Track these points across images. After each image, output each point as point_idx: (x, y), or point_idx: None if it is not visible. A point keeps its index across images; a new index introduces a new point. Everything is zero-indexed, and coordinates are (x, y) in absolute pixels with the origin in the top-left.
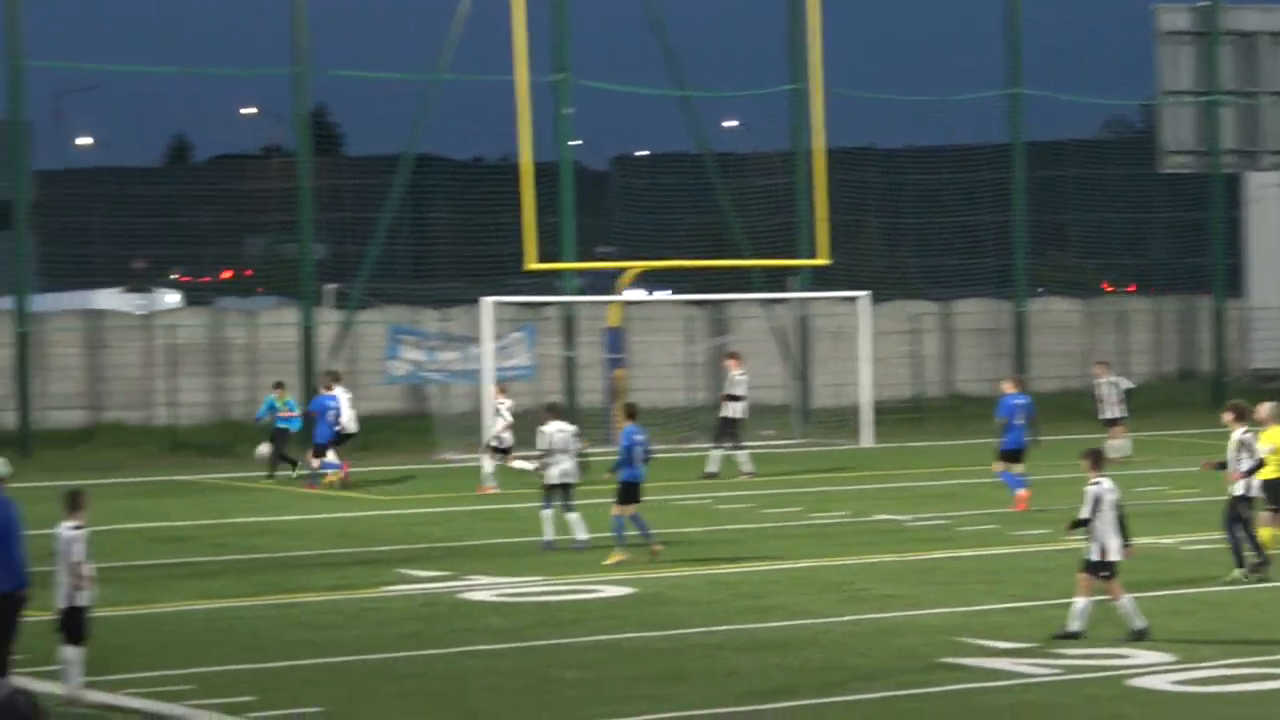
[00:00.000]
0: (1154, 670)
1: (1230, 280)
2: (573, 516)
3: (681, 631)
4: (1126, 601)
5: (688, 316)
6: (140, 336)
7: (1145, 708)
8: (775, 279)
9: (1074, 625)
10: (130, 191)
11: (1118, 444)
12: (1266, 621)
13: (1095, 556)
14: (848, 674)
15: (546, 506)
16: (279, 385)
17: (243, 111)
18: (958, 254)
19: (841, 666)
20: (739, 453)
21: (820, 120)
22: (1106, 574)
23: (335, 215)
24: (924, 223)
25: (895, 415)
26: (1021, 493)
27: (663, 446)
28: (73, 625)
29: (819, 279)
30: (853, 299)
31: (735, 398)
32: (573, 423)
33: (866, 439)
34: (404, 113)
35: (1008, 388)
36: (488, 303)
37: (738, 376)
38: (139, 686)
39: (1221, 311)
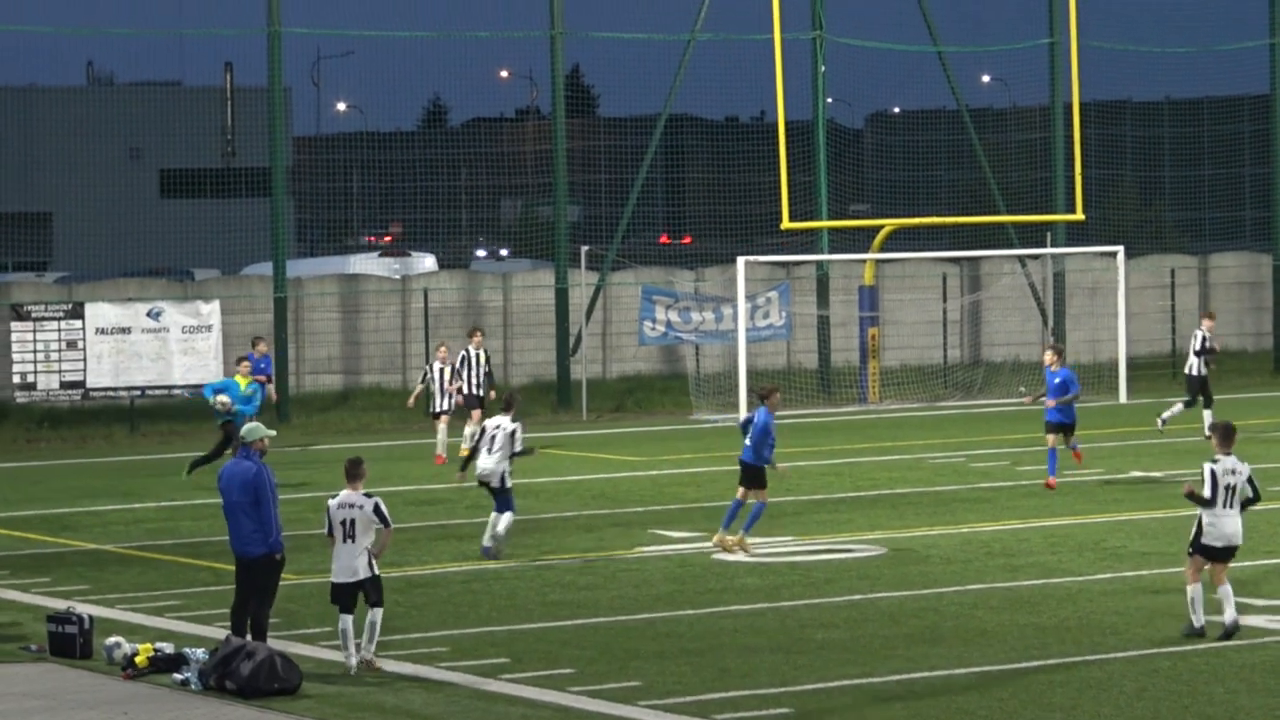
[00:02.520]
0: None
1: None
2: (502, 518)
3: (935, 591)
4: (1226, 590)
5: (942, 273)
6: (395, 300)
7: None
8: (1031, 235)
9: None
10: (386, 156)
11: None
12: None
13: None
14: (1103, 633)
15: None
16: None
17: (498, 74)
18: (1215, 207)
19: (1096, 626)
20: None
21: (1076, 74)
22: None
23: (590, 177)
24: (1181, 175)
25: (1152, 370)
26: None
27: (914, 405)
28: (374, 590)
29: (1074, 234)
30: (1109, 254)
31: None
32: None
33: (1123, 395)
34: (659, 73)
35: (1048, 360)
36: (742, 262)
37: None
38: (394, 649)
39: None
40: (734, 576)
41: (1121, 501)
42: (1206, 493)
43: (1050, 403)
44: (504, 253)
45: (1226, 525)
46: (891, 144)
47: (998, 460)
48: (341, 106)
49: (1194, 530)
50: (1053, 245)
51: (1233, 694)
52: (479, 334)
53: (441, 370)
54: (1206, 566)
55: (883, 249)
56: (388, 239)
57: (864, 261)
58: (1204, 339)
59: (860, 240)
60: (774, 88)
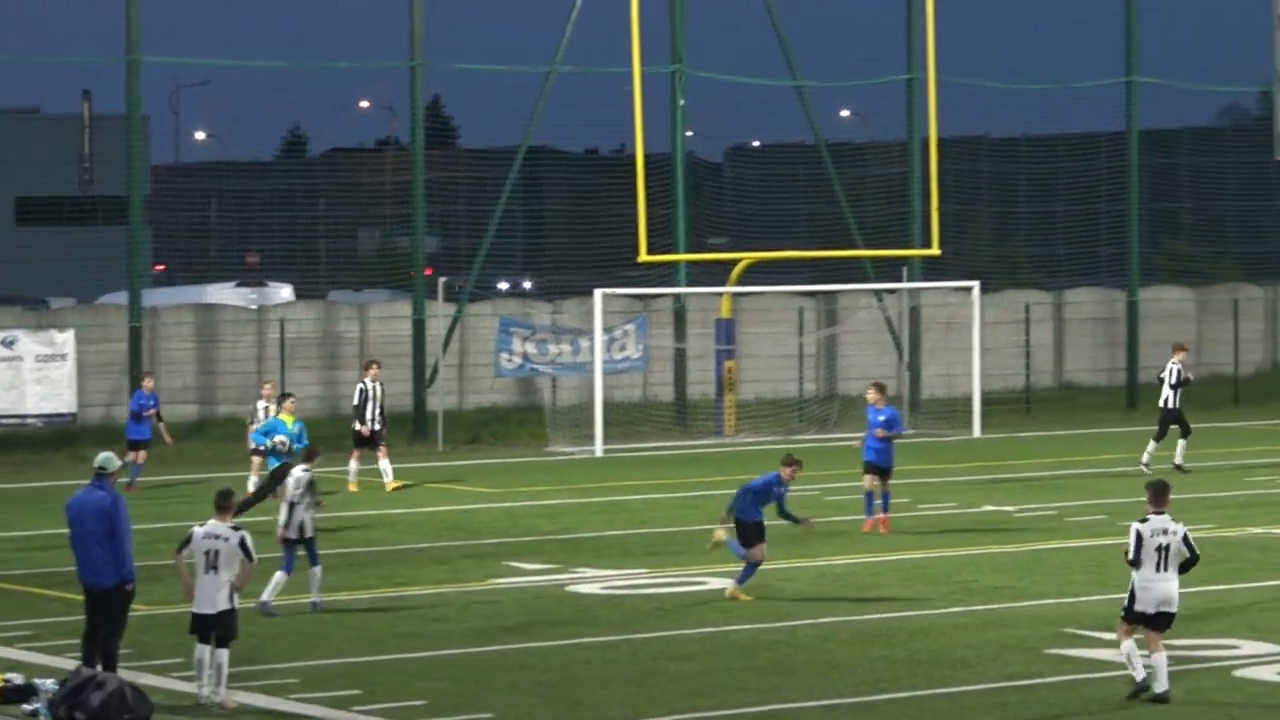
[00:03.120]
0: (1261, 661)
1: None
2: (313, 571)
3: (788, 623)
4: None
5: (799, 307)
6: (252, 330)
7: (1251, 698)
8: (887, 269)
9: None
10: (244, 186)
11: None
12: None
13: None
14: (954, 666)
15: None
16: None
17: (358, 105)
18: (1070, 243)
19: (948, 658)
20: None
21: (934, 110)
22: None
23: (449, 208)
24: (1037, 211)
25: (1005, 406)
26: (881, 516)
27: (769, 438)
28: (228, 628)
29: (930, 269)
30: (965, 289)
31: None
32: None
33: (976, 430)
34: (519, 105)
35: (871, 398)
36: (599, 294)
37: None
38: (245, 681)
39: None
40: (587, 608)
41: (974, 535)
42: (1130, 554)
43: (879, 433)
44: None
45: (1158, 589)
46: (750, 178)
47: (852, 494)
48: (200, 135)
49: (1127, 594)
50: (909, 280)
51: None
52: (375, 366)
53: (266, 408)
54: (1139, 634)
55: (740, 282)
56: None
57: (721, 295)
58: (1177, 371)
59: (718, 273)
60: (633, 121)
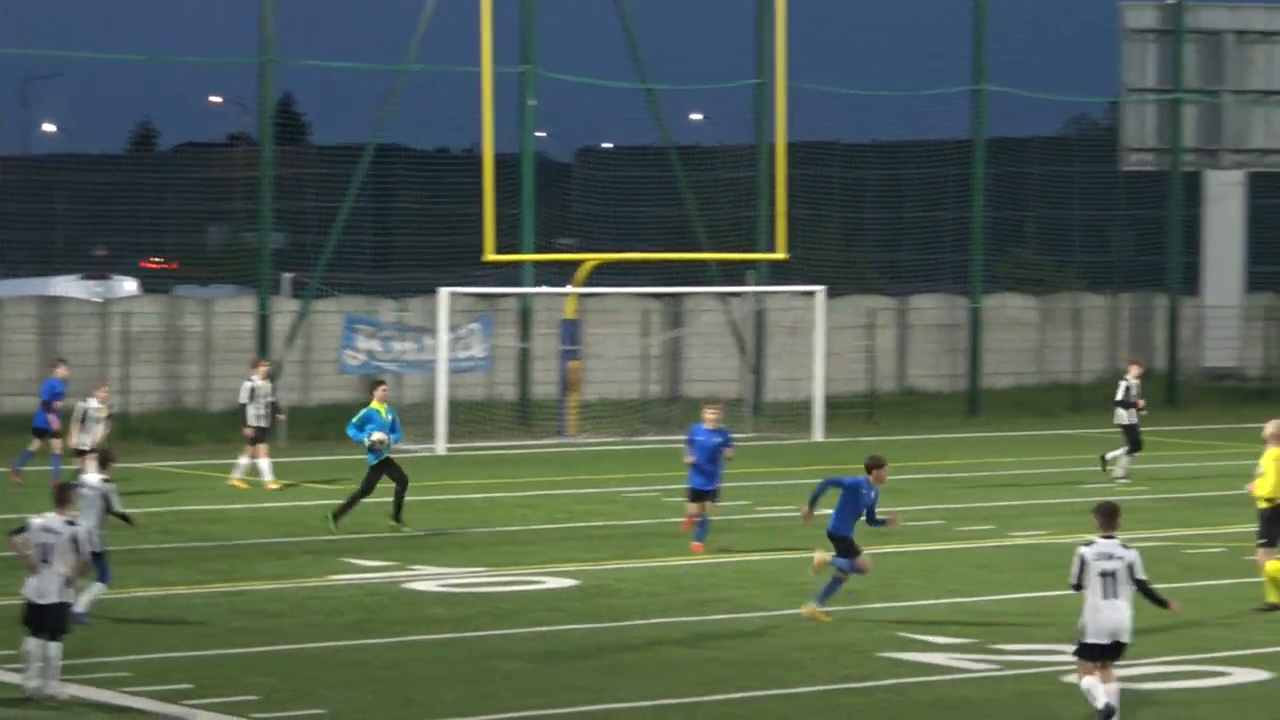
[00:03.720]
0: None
1: (1187, 278)
2: (94, 587)
3: (623, 624)
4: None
5: (644, 309)
6: (95, 324)
7: (1080, 704)
8: (734, 273)
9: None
10: (93, 179)
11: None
12: (1204, 619)
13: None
14: (786, 668)
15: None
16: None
17: (209, 100)
18: (917, 249)
19: (781, 660)
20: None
21: (783, 115)
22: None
23: (298, 204)
24: (884, 217)
25: (848, 410)
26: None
27: (612, 439)
28: (60, 620)
29: (776, 273)
30: (809, 293)
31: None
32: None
33: (818, 433)
34: (369, 103)
35: (710, 417)
36: (444, 293)
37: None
38: (77, 674)
39: (1177, 310)
40: (423, 606)
41: (811, 539)
42: (1072, 579)
43: (729, 453)
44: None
45: (1106, 618)
46: (599, 179)
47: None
48: (49, 128)
49: (1078, 627)
50: (755, 283)
51: None
52: (264, 364)
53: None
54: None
55: (586, 283)
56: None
57: (567, 295)
58: (1128, 388)
59: (564, 274)
60: (483, 120)
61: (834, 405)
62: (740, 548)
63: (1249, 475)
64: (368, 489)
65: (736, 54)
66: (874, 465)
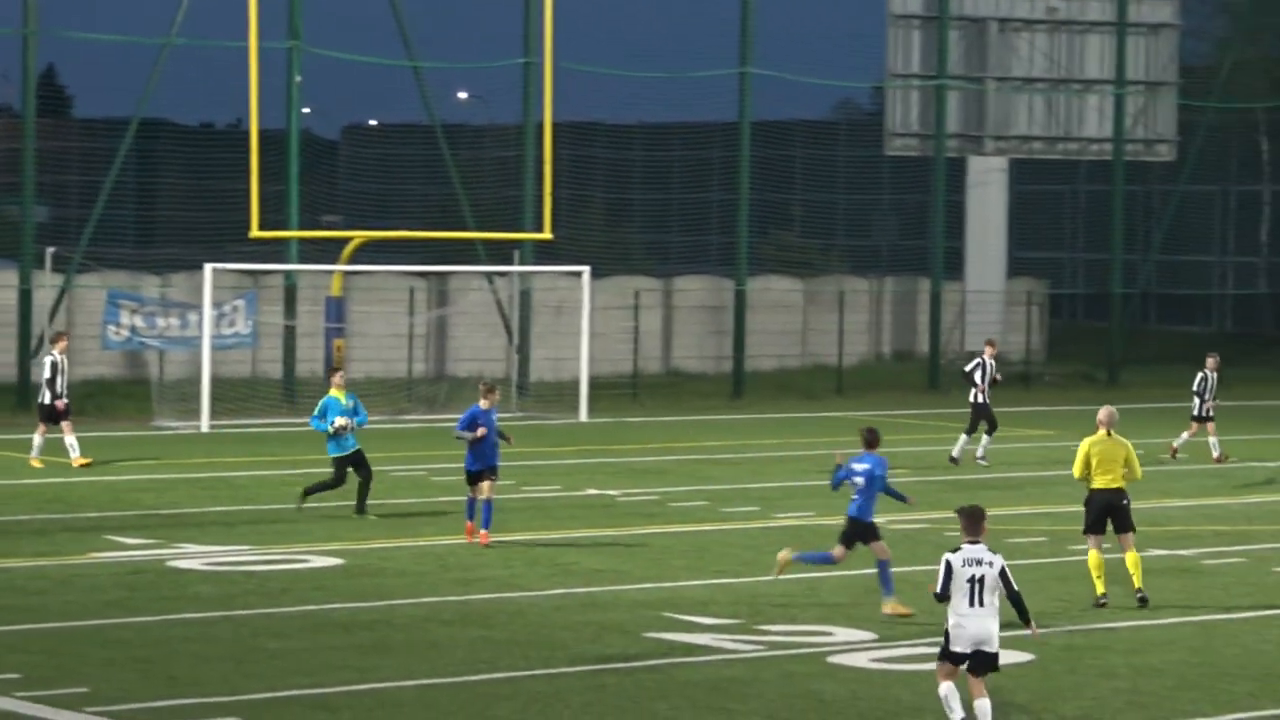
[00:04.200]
0: (854, 648)
1: (950, 263)
2: None
3: (389, 603)
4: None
5: (410, 287)
6: None
7: (843, 685)
8: (500, 252)
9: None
10: None
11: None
12: None
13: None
14: (552, 648)
15: None
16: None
17: None
18: (682, 231)
19: (546, 640)
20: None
21: (550, 95)
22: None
23: (61, 178)
24: (650, 199)
25: (613, 390)
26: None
27: (377, 417)
28: None
29: (542, 253)
30: (575, 274)
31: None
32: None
33: (583, 414)
34: (134, 76)
35: (487, 403)
36: (209, 269)
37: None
38: None
39: (939, 294)
40: (187, 585)
41: (577, 518)
42: (938, 587)
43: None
44: None
45: (972, 626)
46: (365, 156)
47: (457, 475)
48: None
49: (944, 635)
50: (520, 263)
51: (676, 710)
52: (63, 339)
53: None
54: (961, 671)
55: (352, 261)
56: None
57: (332, 272)
58: (988, 366)
59: (330, 251)
60: (249, 96)
61: (599, 386)
62: (506, 528)
63: (1010, 459)
64: (339, 480)
65: (504, 33)
66: (876, 440)
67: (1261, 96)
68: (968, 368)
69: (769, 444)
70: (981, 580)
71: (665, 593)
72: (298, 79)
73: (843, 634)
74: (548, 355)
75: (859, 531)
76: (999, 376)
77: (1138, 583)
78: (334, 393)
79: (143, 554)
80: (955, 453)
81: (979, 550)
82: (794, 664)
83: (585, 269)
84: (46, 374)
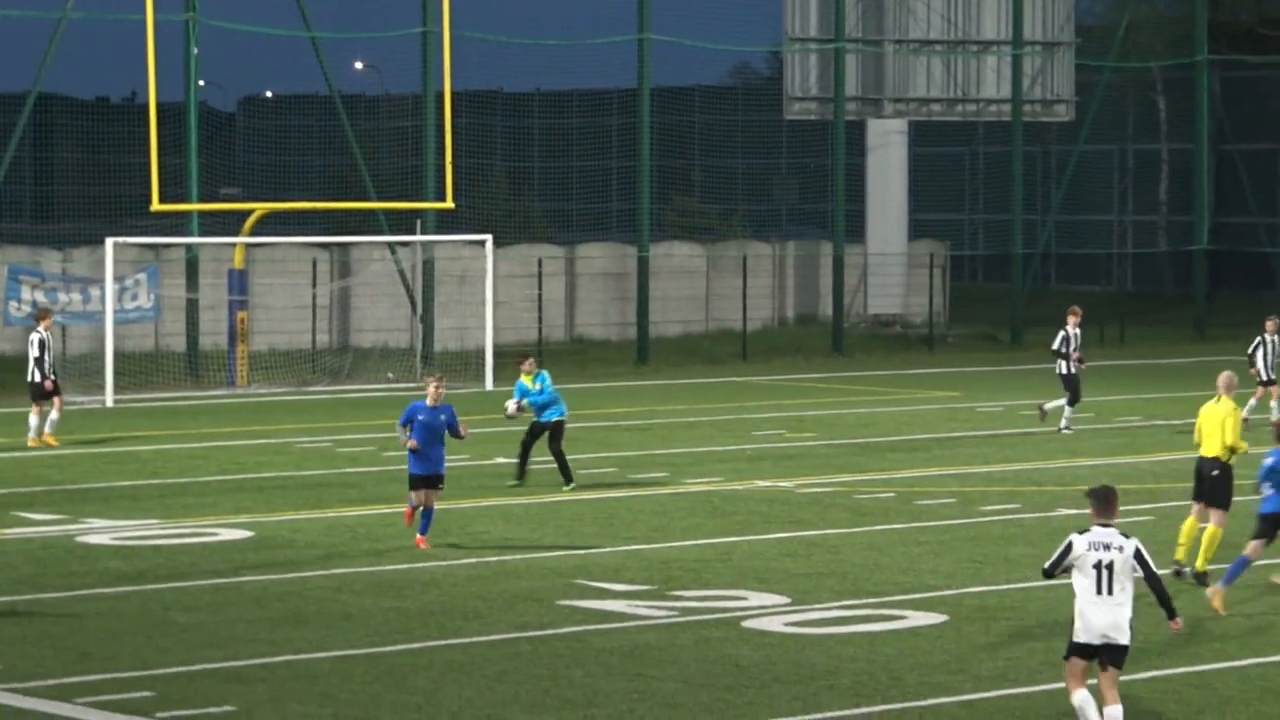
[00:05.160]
0: (769, 612)
1: (851, 226)
2: None
3: (301, 575)
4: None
5: (312, 259)
6: None
7: (758, 649)
8: (401, 222)
9: None
10: None
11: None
12: (879, 564)
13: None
14: (466, 617)
15: None
16: None
17: None
18: (584, 198)
19: (459, 610)
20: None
21: (449, 63)
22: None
23: None
24: (550, 166)
25: (518, 359)
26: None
27: (282, 389)
28: None
29: (444, 222)
30: (478, 242)
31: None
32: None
33: (489, 383)
34: (30, 51)
35: (434, 394)
36: (110, 243)
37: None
38: None
39: (841, 257)
40: (97, 560)
41: (486, 488)
42: (1047, 564)
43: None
44: None
45: (1099, 616)
46: (264, 128)
47: (364, 445)
48: None
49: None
50: (422, 233)
51: (592, 677)
52: (48, 316)
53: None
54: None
55: (253, 233)
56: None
57: (234, 245)
58: (1066, 339)
59: (231, 224)
60: (145, 69)
61: (503, 354)
62: None
63: (915, 420)
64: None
65: (402, 2)
66: None
67: (1158, 55)
68: (1054, 344)
69: (675, 409)
70: (1110, 566)
71: (577, 560)
72: (194, 51)
73: (756, 598)
74: (452, 325)
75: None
76: (1078, 354)
77: (1199, 561)
78: (523, 379)
79: (51, 530)
80: (1064, 425)
81: (1109, 534)
82: (708, 629)
83: (488, 238)
84: (35, 352)
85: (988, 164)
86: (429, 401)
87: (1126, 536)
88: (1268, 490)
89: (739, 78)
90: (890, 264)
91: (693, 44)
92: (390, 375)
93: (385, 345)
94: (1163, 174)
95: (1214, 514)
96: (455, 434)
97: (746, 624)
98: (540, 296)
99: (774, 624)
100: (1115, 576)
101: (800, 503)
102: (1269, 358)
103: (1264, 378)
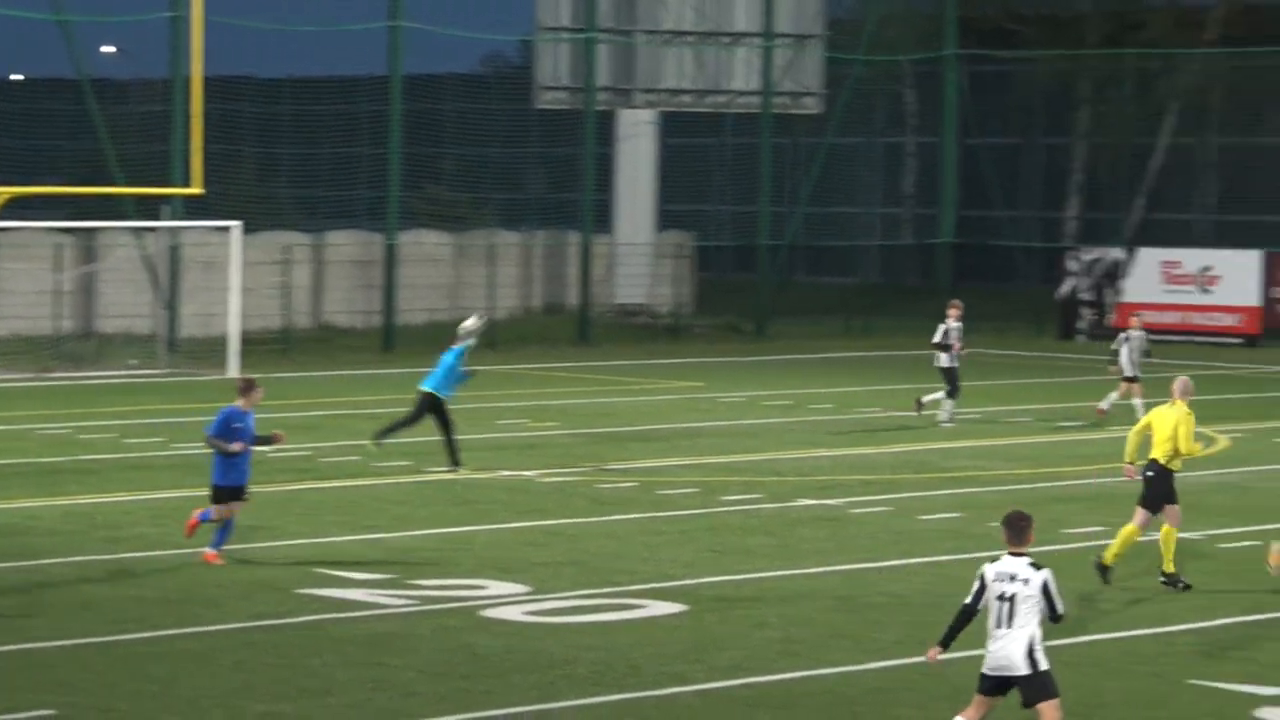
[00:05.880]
0: (508, 601)
1: (600, 216)
2: None
3: (37, 563)
4: None
5: (56, 244)
6: None
7: (497, 638)
8: (148, 207)
9: None
10: None
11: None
12: (620, 553)
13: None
14: (204, 605)
15: None
16: None
17: None
18: (333, 186)
19: (198, 598)
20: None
21: (199, 48)
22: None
23: None
24: (300, 154)
25: (264, 346)
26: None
27: (23, 375)
28: None
29: (192, 208)
30: (225, 229)
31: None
32: None
33: (233, 369)
34: None
35: (246, 401)
36: None
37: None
38: None
39: (589, 247)
40: None
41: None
42: (968, 599)
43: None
44: None
45: (992, 648)
46: (9, 111)
47: (105, 433)
48: None
49: None
50: (170, 218)
51: (329, 666)
52: None
53: None
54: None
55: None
56: None
57: None
58: (947, 331)
59: None
60: None
61: (249, 341)
62: (156, 485)
63: (658, 410)
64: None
65: None
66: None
67: (906, 49)
68: (935, 337)
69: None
70: (1012, 599)
71: (318, 549)
72: None
73: (496, 587)
74: (197, 311)
75: None
76: (958, 345)
77: (1166, 564)
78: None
79: None
80: (946, 418)
81: (1017, 564)
82: (447, 618)
83: (236, 224)
84: None
85: (737, 155)
86: (243, 406)
87: (1038, 568)
88: None
89: (491, 66)
90: (638, 254)
91: (445, 32)
92: (133, 362)
93: (129, 331)
94: (909, 167)
95: (1167, 513)
96: (263, 440)
97: (486, 613)
98: (287, 284)
99: (513, 613)
100: (1016, 610)
101: (542, 492)
102: (1133, 354)
103: (1127, 374)
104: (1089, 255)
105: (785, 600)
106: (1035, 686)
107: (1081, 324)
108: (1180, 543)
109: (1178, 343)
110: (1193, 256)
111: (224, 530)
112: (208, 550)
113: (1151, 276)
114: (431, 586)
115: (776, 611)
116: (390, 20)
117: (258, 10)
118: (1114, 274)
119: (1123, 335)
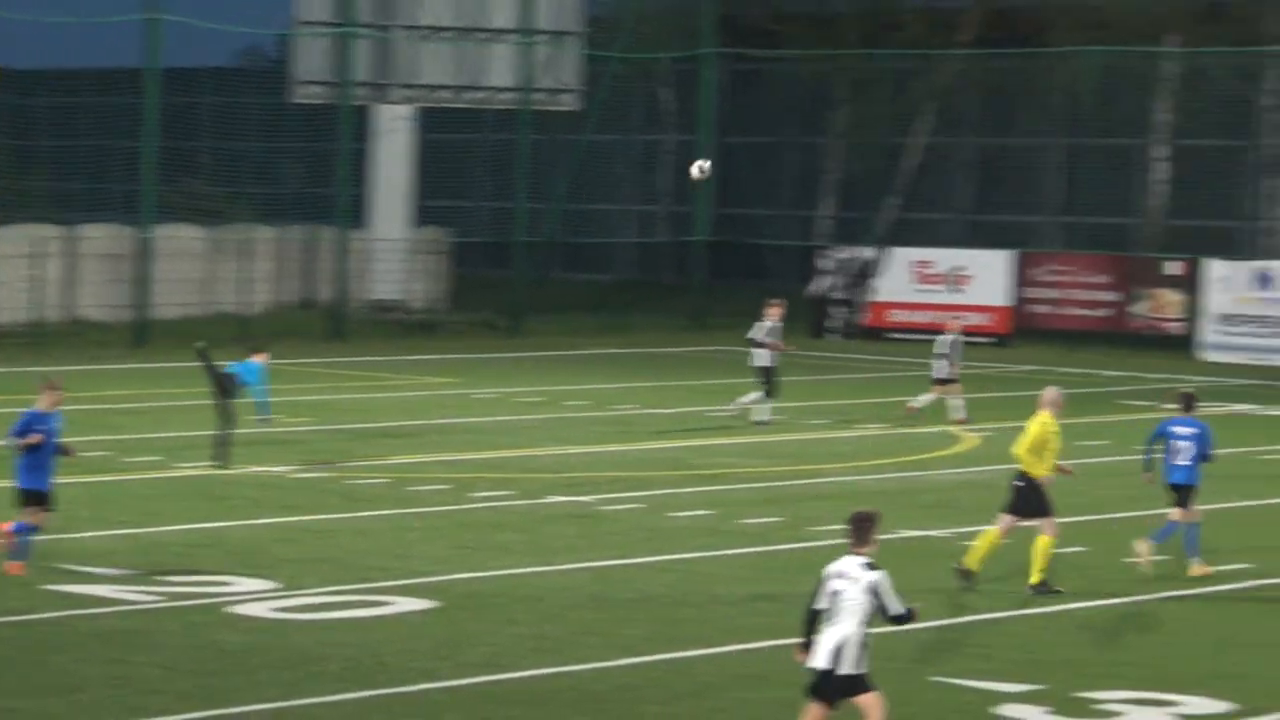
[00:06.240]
0: (255, 598)
1: (355, 212)
2: None
3: None
4: None
5: None
6: None
7: (243, 634)
8: None
9: None
10: None
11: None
12: (370, 550)
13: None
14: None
15: None
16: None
17: None
18: (87, 179)
19: None
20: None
21: None
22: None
23: None
24: (55, 146)
25: (13, 340)
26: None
27: None
28: None
29: None
30: None
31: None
32: None
33: None
34: None
35: (49, 404)
36: None
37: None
38: None
39: (344, 242)
40: None
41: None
42: (813, 599)
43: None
44: None
45: (820, 644)
46: None
47: None
48: None
49: None
50: None
51: (75, 662)
52: None
53: None
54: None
55: None
56: None
57: None
58: (768, 330)
59: None
60: None
61: (0, 335)
62: None
63: (411, 407)
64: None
65: None
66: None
67: (664, 47)
68: (752, 333)
69: (172, 393)
70: (838, 595)
71: (65, 545)
72: None
73: (244, 584)
74: None
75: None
76: (781, 343)
77: (1034, 575)
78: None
79: None
80: (764, 418)
81: (850, 564)
82: (194, 614)
83: None
84: None
85: (496, 152)
86: (46, 407)
87: (872, 569)
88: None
89: (248, 60)
90: (393, 250)
91: (202, 24)
92: None
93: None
94: (665, 165)
95: (1044, 524)
96: (64, 451)
97: (233, 609)
98: (38, 277)
99: (261, 609)
100: (839, 608)
101: (293, 488)
102: (952, 356)
103: (945, 375)
104: (842, 254)
105: (536, 597)
106: (833, 686)
107: (833, 323)
108: (925, 541)
109: (928, 342)
110: (944, 256)
111: (30, 535)
112: (15, 562)
113: (903, 276)
114: (179, 582)
115: (527, 608)
116: (148, 13)
117: (14, 1)
118: (866, 273)
119: (948, 338)
